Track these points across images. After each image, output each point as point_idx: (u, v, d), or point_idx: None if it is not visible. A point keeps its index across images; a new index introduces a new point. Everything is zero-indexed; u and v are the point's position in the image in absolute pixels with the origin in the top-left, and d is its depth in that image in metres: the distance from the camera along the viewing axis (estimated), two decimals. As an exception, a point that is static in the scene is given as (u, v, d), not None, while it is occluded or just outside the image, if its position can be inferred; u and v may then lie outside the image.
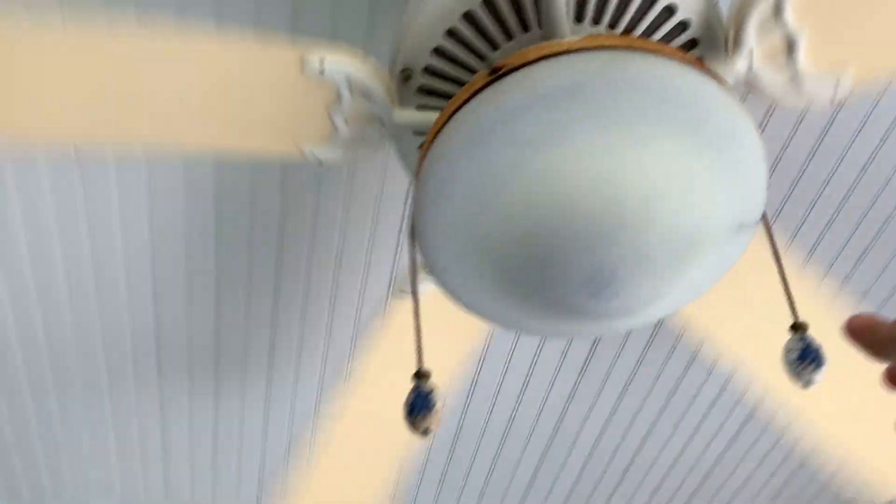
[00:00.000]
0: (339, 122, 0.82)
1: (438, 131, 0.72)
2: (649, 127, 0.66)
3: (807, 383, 0.65)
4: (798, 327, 0.66)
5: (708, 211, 0.69)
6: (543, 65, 0.67)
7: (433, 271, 0.78)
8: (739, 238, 0.74)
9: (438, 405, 0.66)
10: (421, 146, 0.86)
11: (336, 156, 0.84)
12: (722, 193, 0.69)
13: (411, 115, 0.82)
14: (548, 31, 0.75)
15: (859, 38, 0.77)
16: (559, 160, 0.67)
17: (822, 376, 0.64)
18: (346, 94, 0.79)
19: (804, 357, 0.64)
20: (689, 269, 0.72)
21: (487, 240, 0.72)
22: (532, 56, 0.68)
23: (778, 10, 0.74)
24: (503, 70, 0.69)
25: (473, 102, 0.69)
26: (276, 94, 0.79)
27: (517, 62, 0.69)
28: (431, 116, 0.81)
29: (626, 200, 0.67)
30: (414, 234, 0.77)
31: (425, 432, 0.65)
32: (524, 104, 0.66)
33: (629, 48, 0.68)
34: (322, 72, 0.77)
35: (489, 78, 0.69)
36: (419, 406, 0.66)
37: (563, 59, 0.67)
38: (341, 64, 0.77)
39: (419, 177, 0.74)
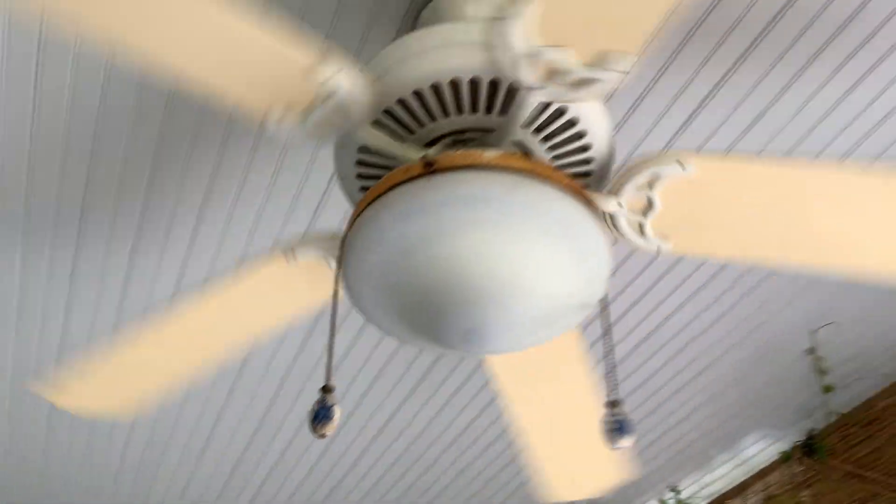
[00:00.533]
0: (315, 117, 0.94)
1: (376, 198, 0.90)
2: (531, 233, 0.87)
3: (616, 447, 0.89)
4: (613, 404, 0.91)
5: (561, 294, 0.92)
6: (466, 173, 0.87)
7: (351, 293, 0.97)
8: (582, 312, 0.97)
9: (336, 416, 0.86)
10: (363, 189, 1.04)
11: (291, 137, 0.97)
12: (574, 283, 0.92)
13: (375, 136, 0.97)
14: (477, 118, 0.95)
15: (692, 224, 1.02)
16: (461, 245, 0.87)
17: (630, 442, 0.89)
18: (334, 100, 0.92)
19: (617, 428, 0.89)
20: (541, 331, 0.95)
21: (395, 288, 0.92)
22: (459, 162, 0.87)
23: (651, 185, 0.98)
24: (435, 167, 0.87)
25: (407, 186, 0.88)
26: (280, 77, 0.91)
27: (446, 164, 0.87)
28: (386, 142, 0.97)
29: (503, 282, 0.88)
30: (340, 263, 0.95)
31: (322, 436, 0.85)
32: (445, 201, 0.86)
33: (532, 172, 0.88)
34: (329, 80, 0.90)
35: (423, 171, 0.88)
36: (321, 416, 0.86)
37: (482, 174, 0.87)
38: (346, 76, 0.91)
39: (353, 224, 0.92)
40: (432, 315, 0.91)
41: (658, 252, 1.03)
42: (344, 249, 0.94)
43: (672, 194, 0.99)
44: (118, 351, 1.21)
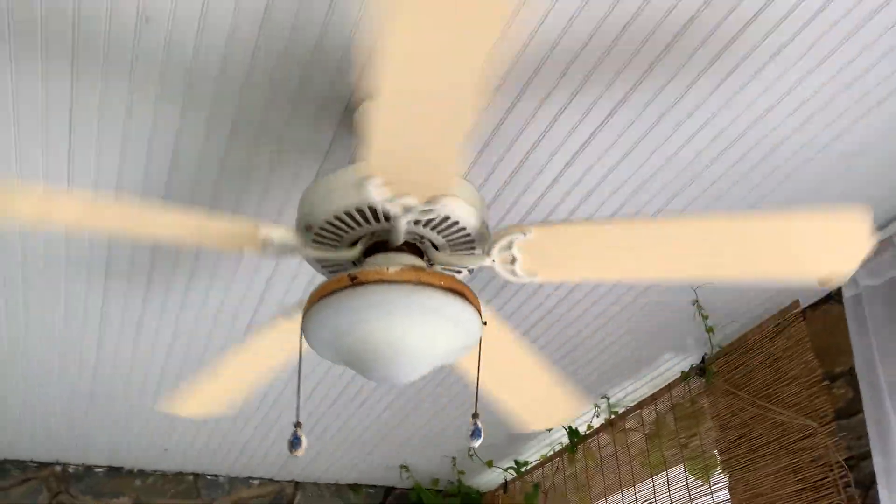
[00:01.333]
0: (268, 252, 1.42)
1: (319, 298, 1.34)
2: (419, 319, 1.32)
3: (471, 445, 1.38)
4: (475, 416, 1.39)
5: (448, 347, 1.38)
6: (377, 286, 1.30)
7: (310, 345, 1.43)
8: (466, 351, 1.44)
9: (304, 445, 1.34)
10: (312, 294, 1.48)
11: (262, 257, 1.44)
12: (456, 339, 1.38)
13: (316, 249, 1.43)
14: (381, 225, 1.38)
15: (548, 263, 1.46)
16: (374, 330, 1.33)
17: (478, 443, 1.38)
18: (273, 245, 1.39)
19: (473, 433, 1.38)
20: (441, 364, 1.42)
21: (334, 350, 1.39)
22: (372, 278, 1.31)
23: (509, 246, 1.40)
24: (357, 281, 1.31)
25: (338, 293, 1.32)
26: (235, 239, 1.38)
27: (363, 279, 1.31)
28: (324, 254, 1.42)
29: (404, 349, 1.34)
30: (302, 331, 1.41)
31: (296, 455, 1.34)
32: (364, 304, 1.31)
33: (419, 281, 1.31)
34: (267, 241, 1.37)
35: (349, 283, 1.31)
36: (295, 444, 1.34)
37: (387, 285, 1.30)
38: (278, 235, 1.37)
39: (307, 312, 1.37)
40: (359, 367, 1.39)
41: (532, 282, 1.48)
42: (303, 324, 1.40)
43: (527, 247, 1.43)
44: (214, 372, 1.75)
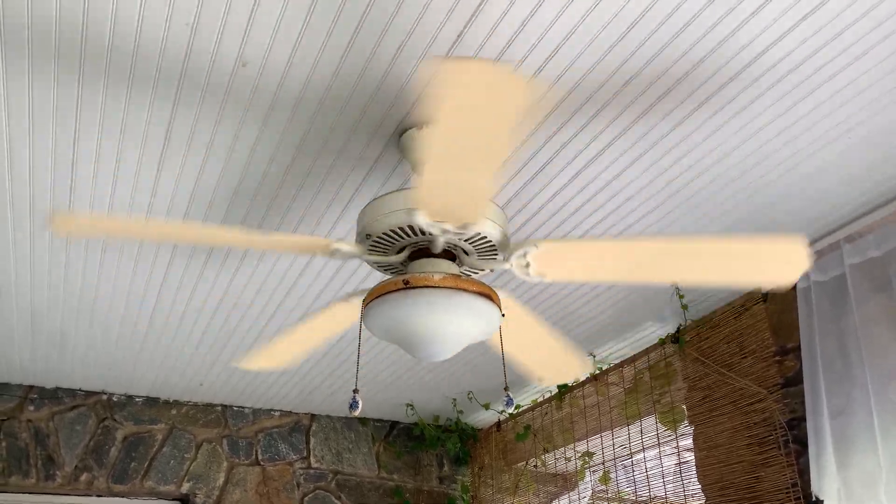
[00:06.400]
0: (337, 257, 1.80)
1: (378, 296, 1.73)
2: (456, 315, 1.72)
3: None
4: (507, 388, 1.80)
5: (474, 335, 1.78)
6: (424, 289, 1.69)
7: (368, 329, 1.83)
8: (486, 337, 1.84)
9: (360, 405, 1.75)
10: (373, 290, 1.86)
11: (345, 254, 1.83)
12: (480, 329, 1.77)
13: (372, 255, 1.82)
14: (424, 237, 1.76)
15: (556, 267, 1.84)
16: (421, 322, 1.72)
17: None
18: (340, 252, 1.77)
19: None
20: (467, 345, 1.83)
21: (390, 332, 1.78)
22: (421, 283, 1.70)
23: (525, 255, 1.79)
24: (409, 285, 1.70)
25: (393, 294, 1.71)
26: (313, 248, 1.77)
27: (414, 283, 1.69)
28: (379, 259, 1.81)
29: (443, 336, 1.73)
30: (361, 320, 1.80)
31: (353, 415, 1.75)
32: (414, 302, 1.70)
33: (457, 287, 1.70)
34: (336, 251, 1.75)
35: (402, 286, 1.70)
36: (353, 405, 1.75)
37: (433, 289, 1.69)
38: (344, 247, 1.75)
39: (368, 304, 1.76)
40: (407, 347, 1.79)
41: (542, 282, 1.87)
42: (363, 313, 1.79)
43: (538, 256, 1.81)
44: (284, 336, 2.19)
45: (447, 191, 1.60)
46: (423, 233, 1.74)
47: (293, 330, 2.11)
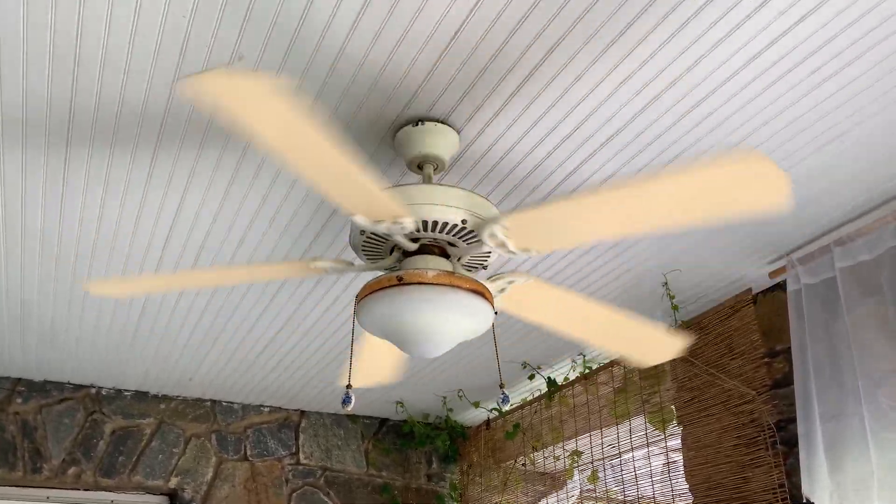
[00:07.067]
0: (331, 267, 1.80)
1: (372, 292, 1.73)
2: (449, 311, 1.72)
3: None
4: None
5: (466, 331, 1.78)
6: (418, 285, 1.69)
7: (363, 324, 1.83)
8: (478, 334, 1.84)
9: (352, 400, 1.75)
10: (367, 286, 1.87)
11: (331, 270, 1.82)
12: (472, 326, 1.78)
13: (361, 265, 1.81)
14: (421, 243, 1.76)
15: (533, 240, 1.83)
16: (413, 319, 1.72)
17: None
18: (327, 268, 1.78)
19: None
20: (458, 342, 1.83)
21: (383, 328, 1.78)
22: (414, 279, 1.70)
23: (494, 234, 1.76)
24: (403, 281, 1.70)
25: (386, 290, 1.71)
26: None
27: (408, 279, 1.70)
28: (370, 265, 1.81)
29: (434, 332, 1.74)
30: (354, 316, 1.80)
31: (346, 410, 1.75)
32: (407, 298, 1.70)
33: (450, 284, 1.70)
34: (326, 269, 1.75)
35: (396, 282, 1.70)
36: (346, 401, 1.76)
37: (427, 286, 1.69)
38: (322, 264, 1.75)
39: (361, 300, 1.76)
40: (400, 343, 1.79)
41: (531, 256, 1.84)
42: (356, 308, 1.79)
43: (512, 231, 1.72)
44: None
45: (353, 190, 1.58)
46: (378, 235, 1.76)
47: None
